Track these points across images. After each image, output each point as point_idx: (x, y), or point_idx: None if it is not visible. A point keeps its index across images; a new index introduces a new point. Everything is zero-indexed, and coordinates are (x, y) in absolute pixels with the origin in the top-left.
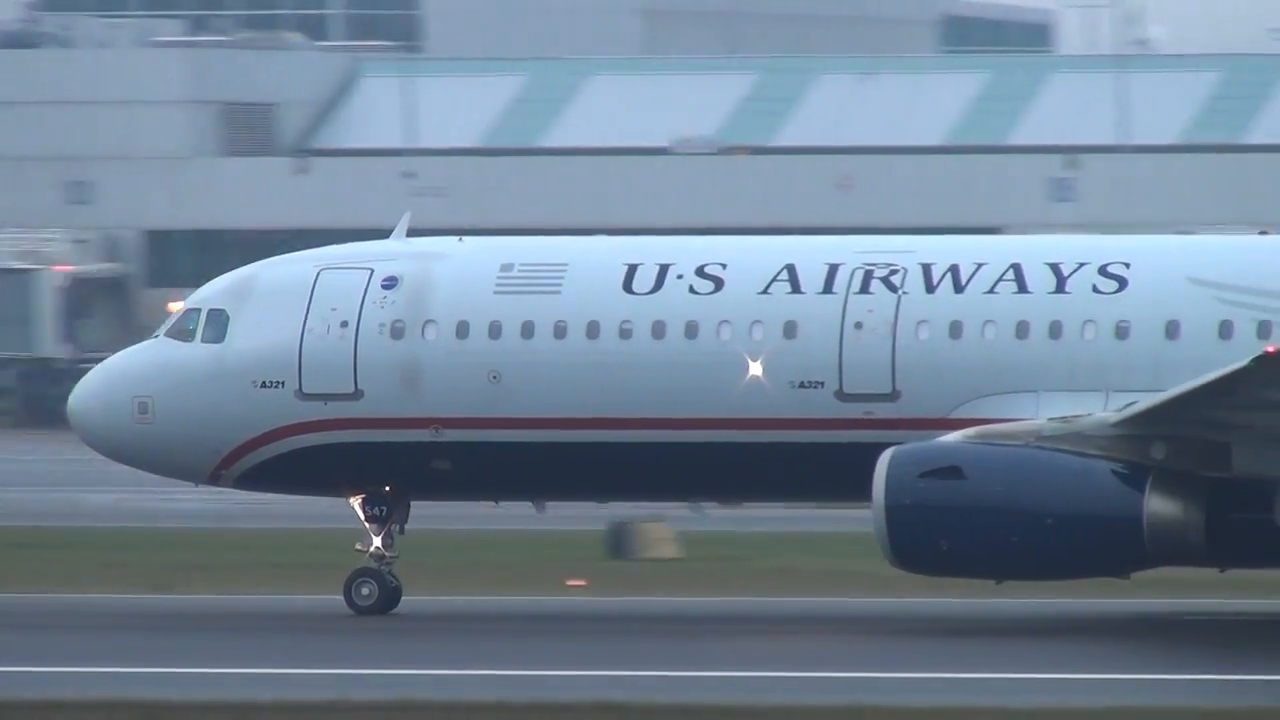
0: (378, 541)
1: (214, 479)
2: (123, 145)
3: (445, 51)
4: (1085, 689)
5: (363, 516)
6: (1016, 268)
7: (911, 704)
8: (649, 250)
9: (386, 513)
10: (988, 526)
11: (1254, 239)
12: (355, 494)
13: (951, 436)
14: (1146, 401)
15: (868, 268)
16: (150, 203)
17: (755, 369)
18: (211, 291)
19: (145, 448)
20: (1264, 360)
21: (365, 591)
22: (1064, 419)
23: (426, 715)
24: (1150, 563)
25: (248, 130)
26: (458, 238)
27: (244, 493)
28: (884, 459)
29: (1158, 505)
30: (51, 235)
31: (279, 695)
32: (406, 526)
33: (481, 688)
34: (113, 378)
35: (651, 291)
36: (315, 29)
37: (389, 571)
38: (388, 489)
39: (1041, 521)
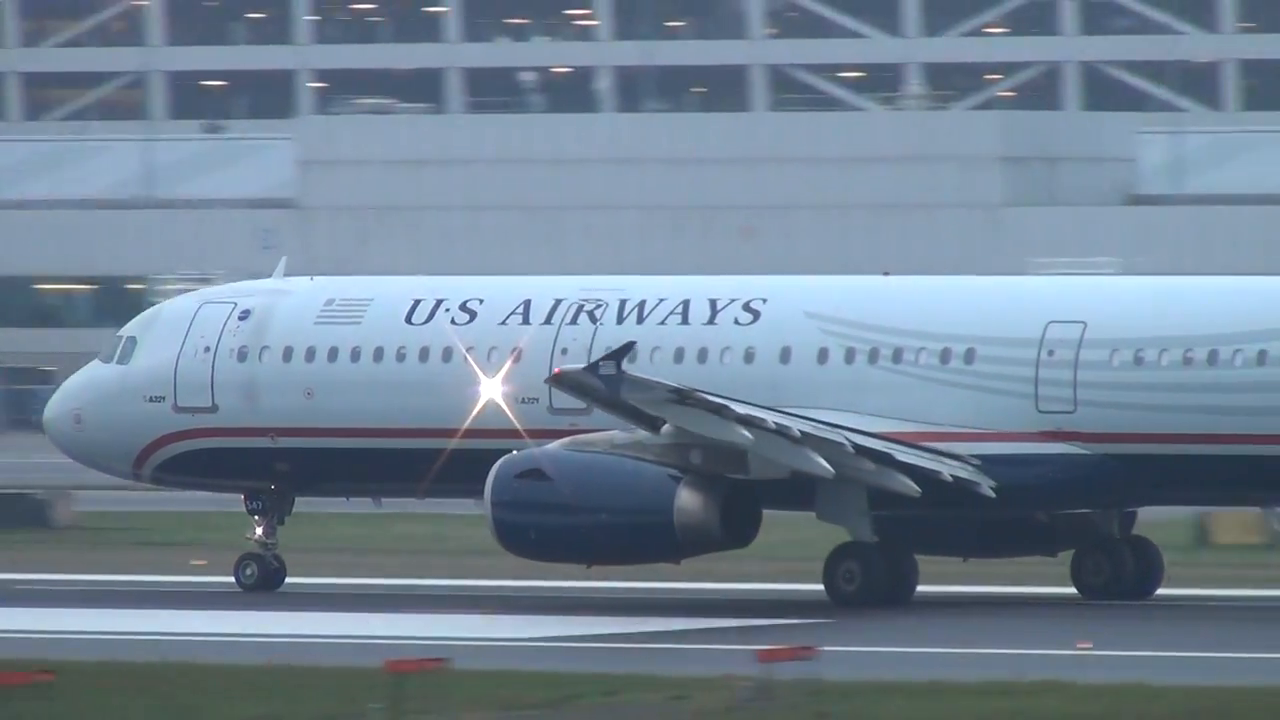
0: (259, 531)
1: (135, 475)
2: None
3: None
4: None
5: (246, 509)
6: (686, 303)
7: None
8: (433, 288)
9: (264, 506)
10: (561, 519)
11: (867, 280)
12: (240, 490)
13: (553, 444)
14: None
15: (581, 303)
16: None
17: (491, 388)
18: (133, 321)
19: (81, 450)
20: (551, 379)
21: (249, 572)
22: (634, 430)
23: None
24: (688, 550)
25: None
26: (310, 277)
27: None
28: (497, 463)
29: (685, 502)
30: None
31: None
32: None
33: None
34: (64, 392)
35: (424, 322)
36: None
37: (272, 555)
38: (273, 487)
39: (599, 515)
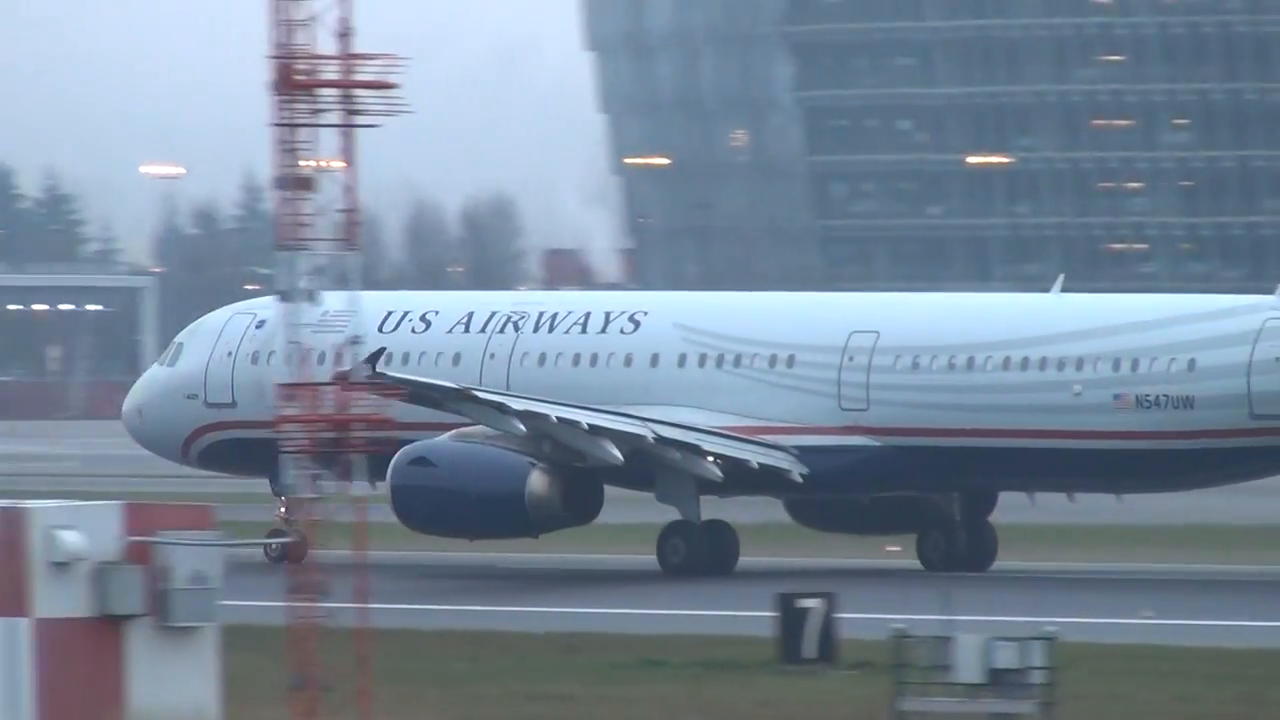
0: (283, 510)
1: (184, 461)
2: None
3: None
4: None
5: (272, 491)
6: (588, 315)
7: None
8: (402, 301)
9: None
10: (439, 499)
11: (724, 295)
12: (270, 474)
13: (442, 436)
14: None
15: (509, 315)
16: None
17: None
18: (184, 330)
19: (145, 439)
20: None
21: (274, 547)
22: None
23: None
24: (541, 526)
25: None
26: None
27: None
28: (398, 452)
29: (535, 485)
30: None
31: None
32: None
33: None
34: (134, 390)
35: (392, 331)
36: None
37: (297, 531)
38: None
39: (469, 497)
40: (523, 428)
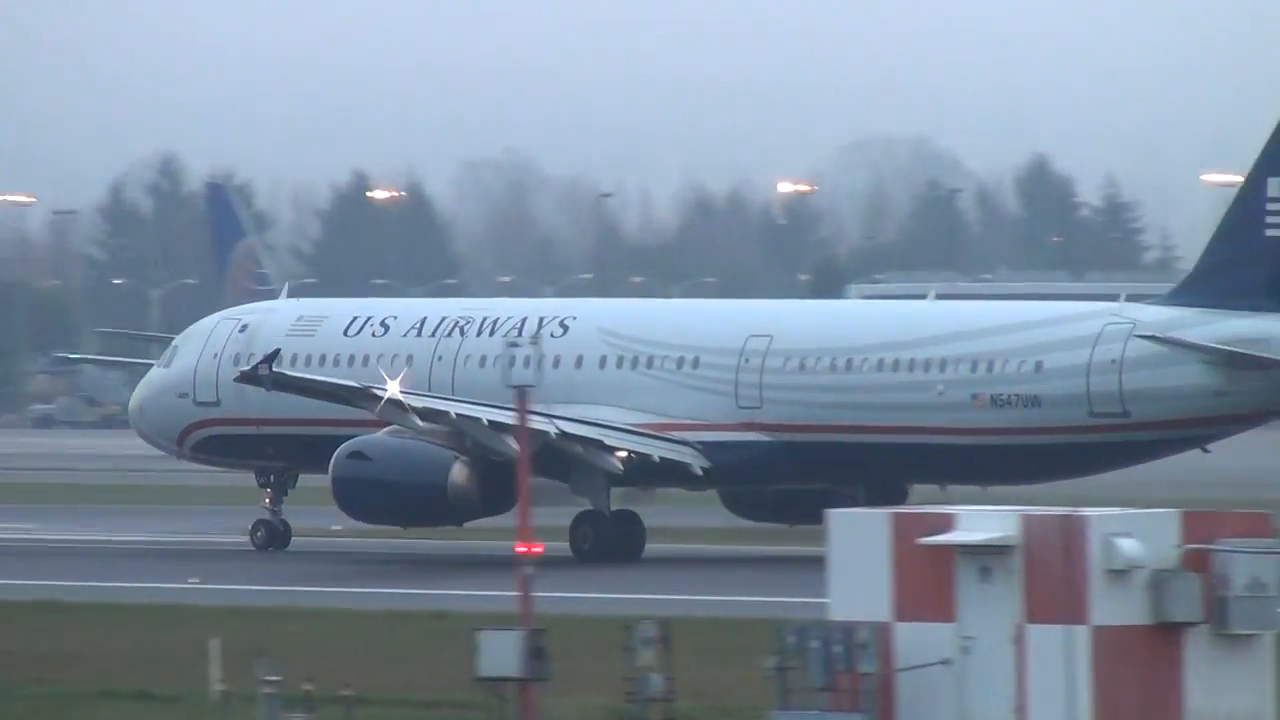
0: (268, 500)
1: (179, 455)
2: None
3: None
4: None
5: (257, 483)
6: (524, 320)
7: None
8: (367, 307)
9: (272, 480)
10: (371, 490)
11: (642, 302)
12: (254, 466)
13: (380, 432)
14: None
15: (457, 319)
16: None
17: (394, 387)
18: (181, 334)
19: (145, 433)
20: (236, 379)
21: (259, 534)
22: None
23: None
24: (460, 515)
25: None
26: (295, 299)
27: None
28: (340, 446)
29: (455, 477)
30: None
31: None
32: None
33: None
34: (137, 389)
35: (355, 335)
36: None
37: (279, 520)
38: (283, 466)
39: (398, 488)
40: (421, 424)
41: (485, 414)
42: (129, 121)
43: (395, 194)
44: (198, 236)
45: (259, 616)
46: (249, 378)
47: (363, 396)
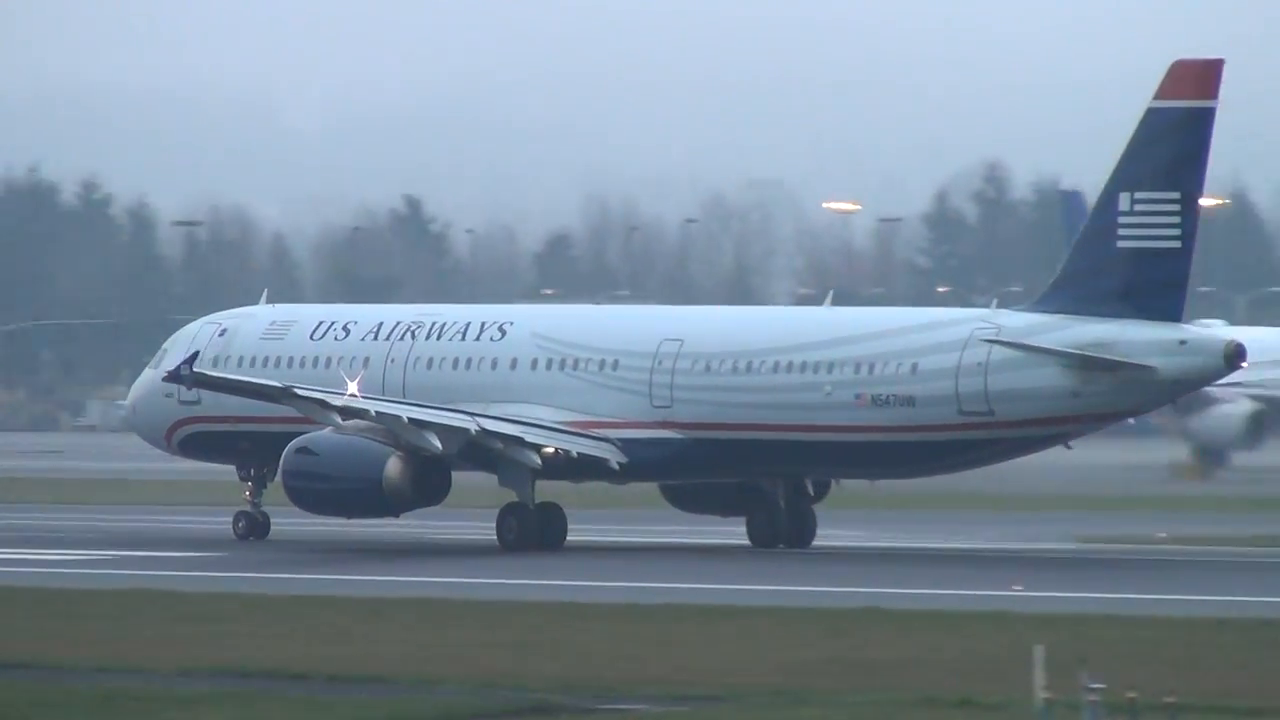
0: (248, 493)
1: (168, 450)
2: None
3: None
4: None
5: (238, 477)
6: (468, 325)
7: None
8: (334, 313)
9: (252, 474)
10: (319, 484)
11: (572, 307)
12: (234, 462)
13: (326, 428)
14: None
15: (409, 324)
16: None
17: (353, 388)
18: (170, 338)
19: (138, 430)
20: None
21: (240, 525)
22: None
23: None
24: (396, 507)
25: None
26: (272, 305)
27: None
28: (291, 441)
29: (390, 471)
30: None
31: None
32: None
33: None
34: (132, 389)
35: (320, 338)
36: None
37: (259, 512)
38: (262, 461)
39: (340, 481)
40: (341, 421)
41: (405, 412)
42: (953, 131)
43: None
44: (1023, 242)
45: (1076, 623)
46: (173, 378)
47: (285, 395)
